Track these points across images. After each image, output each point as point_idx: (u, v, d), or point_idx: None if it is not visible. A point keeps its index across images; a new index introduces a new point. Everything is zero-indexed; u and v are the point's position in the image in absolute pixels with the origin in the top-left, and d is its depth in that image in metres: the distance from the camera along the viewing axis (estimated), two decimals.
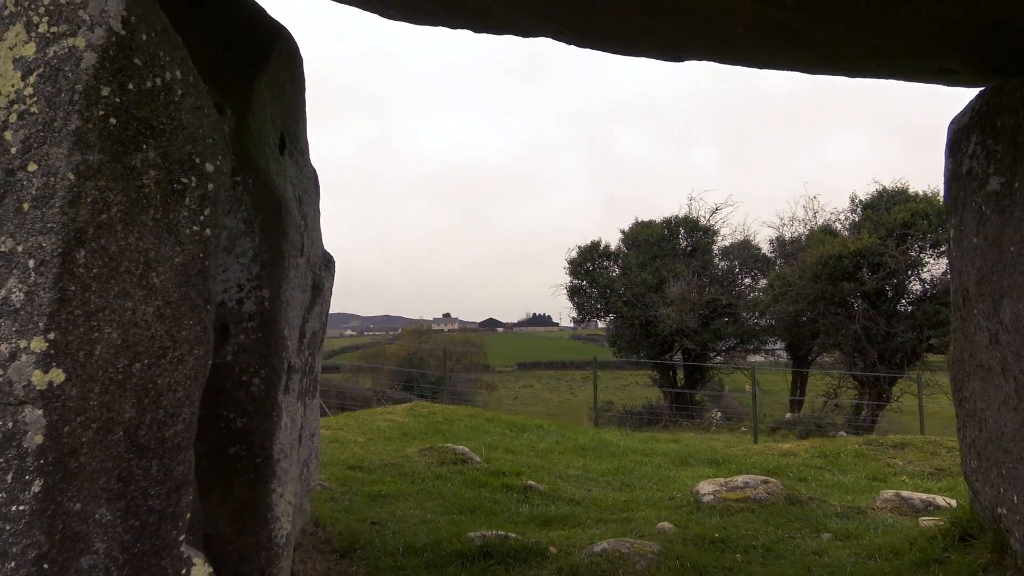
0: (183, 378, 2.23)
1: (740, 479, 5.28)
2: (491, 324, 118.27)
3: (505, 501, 5.13)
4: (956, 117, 3.53)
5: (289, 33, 4.26)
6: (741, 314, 23.07)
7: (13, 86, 2.06)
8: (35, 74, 2.06)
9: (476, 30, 4.96)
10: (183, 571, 2.22)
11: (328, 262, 4.45)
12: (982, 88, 3.41)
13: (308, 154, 4.42)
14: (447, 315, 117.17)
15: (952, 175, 3.43)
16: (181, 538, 2.22)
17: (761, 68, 4.15)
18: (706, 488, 5.23)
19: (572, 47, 4.68)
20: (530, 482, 5.57)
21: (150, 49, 2.17)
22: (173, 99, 2.22)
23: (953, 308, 3.55)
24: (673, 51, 4.36)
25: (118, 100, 2.09)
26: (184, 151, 2.25)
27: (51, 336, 1.94)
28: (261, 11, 4.18)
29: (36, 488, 1.90)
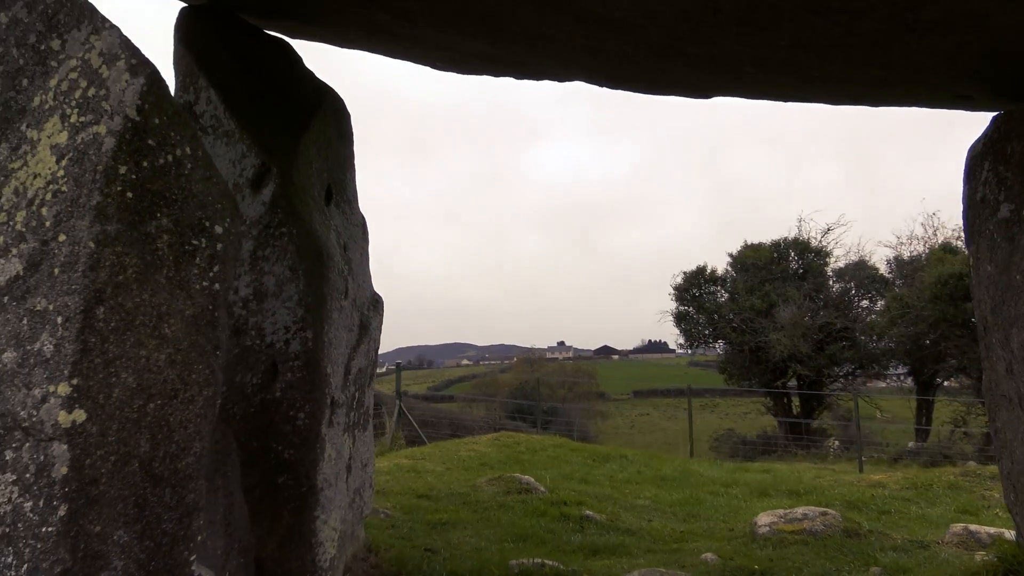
0: (193, 416, 2.53)
1: (800, 510, 5.19)
2: (606, 351, 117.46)
3: (559, 530, 5.25)
4: (973, 143, 3.45)
5: (336, 93, 4.63)
6: (859, 338, 22.15)
7: (50, 169, 2.44)
8: (66, 158, 2.43)
9: (517, 78, 5.22)
10: None
11: (376, 303, 4.76)
12: (996, 113, 3.35)
13: (356, 202, 4.76)
14: (561, 343, 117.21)
15: (969, 202, 3.36)
16: (192, 558, 2.51)
17: (786, 101, 4.19)
18: (764, 520, 5.17)
19: (605, 88, 4.85)
20: (588, 512, 5.66)
21: (162, 131, 2.51)
22: (183, 172, 2.55)
23: (979, 336, 3.45)
24: (701, 90, 4.47)
25: (134, 176, 2.43)
26: (195, 216, 2.58)
27: (74, 382, 2.27)
28: (308, 75, 4.57)
29: (62, 512, 2.23)
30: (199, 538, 2.56)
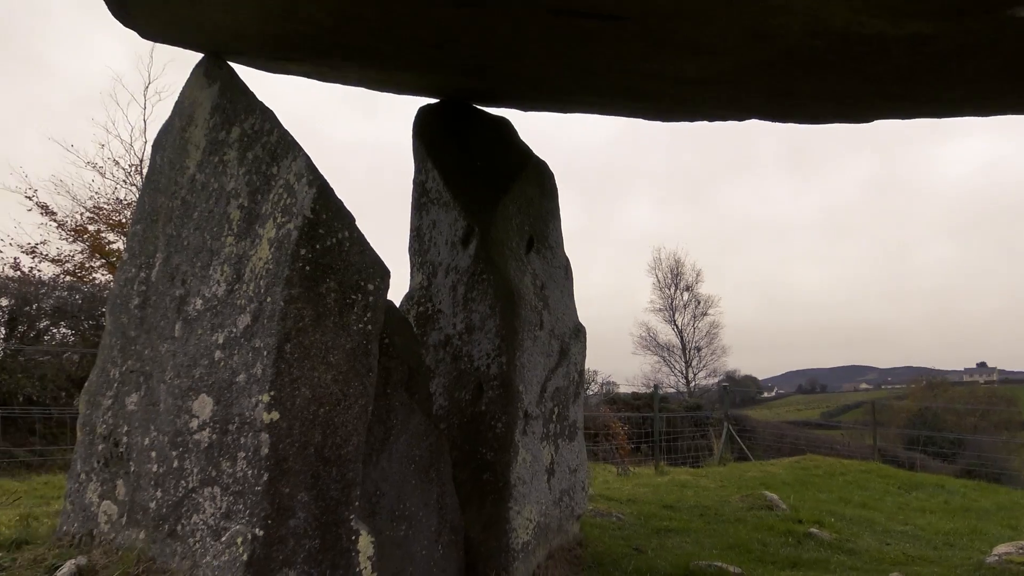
0: (352, 418, 3.61)
1: None
2: None
3: (773, 543, 5.44)
4: None
5: (538, 159, 5.55)
6: None
7: (265, 254, 3.73)
8: (273, 246, 3.70)
9: (709, 121, 5.64)
10: (353, 537, 3.57)
11: (578, 331, 5.53)
12: None
13: (559, 248, 5.60)
14: (982, 364, 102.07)
15: None
16: (352, 516, 3.58)
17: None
18: (1000, 549, 4.83)
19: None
20: (813, 529, 5.71)
21: (328, 222, 3.67)
22: (344, 249, 3.68)
23: None
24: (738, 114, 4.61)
25: (310, 255, 3.61)
26: (352, 279, 3.69)
27: (272, 393, 3.49)
28: (516, 144, 5.56)
29: (264, 478, 3.44)
30: (356, 503, 3.62)
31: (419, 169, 5.49)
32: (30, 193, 18.56)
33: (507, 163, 5.43)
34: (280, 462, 3.46)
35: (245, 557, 3.35)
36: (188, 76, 4.50)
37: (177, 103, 4.52)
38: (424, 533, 4.38)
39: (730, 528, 5.91)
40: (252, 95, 4.19)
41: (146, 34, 4.42)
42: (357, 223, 3.82)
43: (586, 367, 5.70)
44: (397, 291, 5.73)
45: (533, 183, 5.48)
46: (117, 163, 21.15)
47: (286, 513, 3.45)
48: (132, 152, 21.30)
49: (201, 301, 3.93)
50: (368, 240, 3.81)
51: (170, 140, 4.48)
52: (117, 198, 19.56)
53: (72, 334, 14.11)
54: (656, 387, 15.79)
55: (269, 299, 3.61)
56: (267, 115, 4.05)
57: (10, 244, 19.09)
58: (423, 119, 5.54)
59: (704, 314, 44.52)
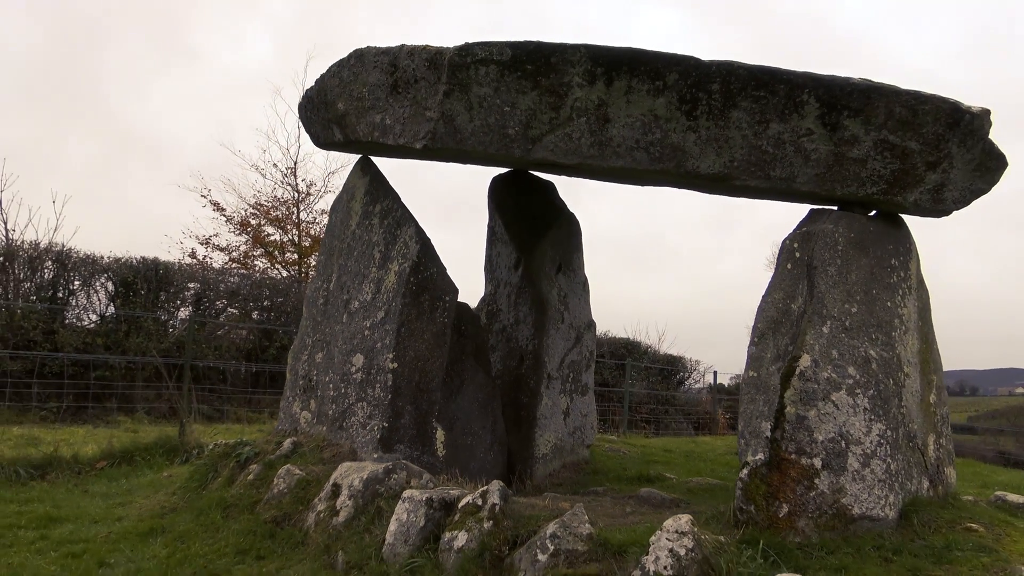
0: (435, 367, 6.69)
1: None
2: None
3: (718, 469, 8.14)
4: None
5: (570, 211, 8.44)
6: None
7: (391, 280, 6.86)
8: (396, 275, 6.81)
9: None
10: (433, 432, 6.65)
11: (590, 325, 8.44)
12: None
13: (579, 271, 8.48)
14: None
15: None
16: (433, 420, 6.66)
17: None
18: None
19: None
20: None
21: (426, 263, 6.75)
22: (433, 278, 6.76)
23: None
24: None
25: (415, 281, 6.70)
26: (437, 294, 6.76)
27: (393, 353, 6.61)
28: (554, 200, 8.47)
29: (389, 398, 6.57)
30: (437, 413, 6.69)
31: (491, 217, 8.52)
32: (205, 192, 22.14)
33: (546, 213, 8.37)
34: (397, 389, 6.58)
35: (378, 436, 6.50)
36: (351, 168, 7.69)
37: (345, 185, 7.71)
38: (483, 443, 7.44)
39: (699, 463, 8.61)
40: (388, 184, 7.31)
41: (323, 146, 7.62)
42: (442, 258, 6.89)
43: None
44: (475, 296, 8.79)
45: (564, 229, 8.39)
46: (275, 166, 25.08)
47: (399, 415, 6.58)
48: (288, 156, 25.14)
49: (357, 303, 7.11)
50: (447, 269, 6.87)
51: (340, 207, 7.69)
52: (275, 196, 22.40)
53: (239, 313, 17.28)
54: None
55: (394, 304, 6.73)
56: (396, 198, 7.15)
57: (190, 236, 23.34)
58: (494, 184, 8.54)
59: None
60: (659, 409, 19.69)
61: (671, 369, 22.25)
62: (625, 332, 22.21)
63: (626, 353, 19.98)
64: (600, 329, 21.44)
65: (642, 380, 20.83)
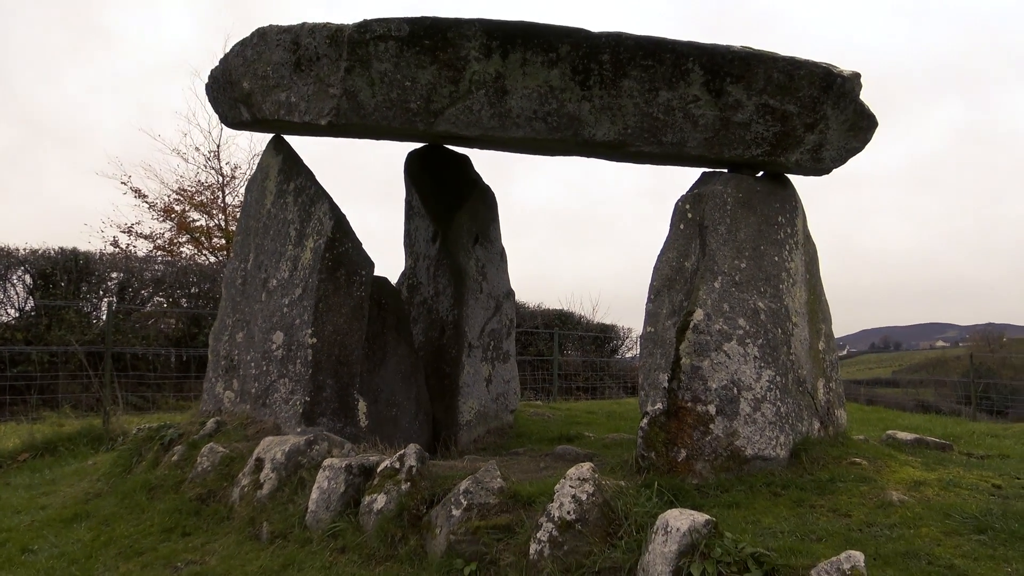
0: (354, 341, 6.84)
1: None
2: None
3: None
4: None
5: (484, 184, 8.63)
6: None
7: (307, 256, 6.95)
8: (312, 252, 6.91)
9: None
10: (355, 403, 6.81)
11: (509, 294, 8.67)
12: None
13: (497, 241, 8.68)
14: None
15: None
16: (355, 391, 6.81)
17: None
18: None
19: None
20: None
21: (341, 238, 6.86)
22: (349, 253, 6.88)
23: None
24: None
25: (330, 257, 6.81)
26: (353, 268, 6.89)
27: (312, 329, 6.73)
28: (468, 173, 8.63)
29: (309, 372, 6.69)
30: (357, 385, 6.85)
31: (408, 192, 8.65)
32: (125, 179, 21.67)
33: (462, 186, 8.53)
34: (317, 364, 6.71)
35: (300, 411, 6.63)
36: (264, 147, 7.71)
37: (259, 164, 7.74)
38: (407, 413, 7.62)
39: (619, 422, 8.97)
40: (301, 162, 7.37)
41: (232, 125, 7.63)
42: (357, 232, 7.01)
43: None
44: (396, 270, 8.94)
45: (480, 201, 8.57)
46: (198, 149, 24.64)
47: (320, 389, 6.71)
48: (211, 139, 24.68)
49: (275, 281, 7.19)
50: (363, 243, 7.00)
51: (255, 186, 7.72)
52: (199, 180, 22.03)
53: (166, 301, 17.02)
54: None
55: (311, 280, 6.84)
56: (309, 176, 7.22)
57: (111, 225, 22.79)
58: (409, 159, 8.66)
59: None
60: (594, 376, 20.15)
61: (604, 337, 22.73)
62: (560, 304, 22.59)
63: (560, 324, 20.35)
64: (535, 301, 21.98)
65: (577, 349, 21.26)
